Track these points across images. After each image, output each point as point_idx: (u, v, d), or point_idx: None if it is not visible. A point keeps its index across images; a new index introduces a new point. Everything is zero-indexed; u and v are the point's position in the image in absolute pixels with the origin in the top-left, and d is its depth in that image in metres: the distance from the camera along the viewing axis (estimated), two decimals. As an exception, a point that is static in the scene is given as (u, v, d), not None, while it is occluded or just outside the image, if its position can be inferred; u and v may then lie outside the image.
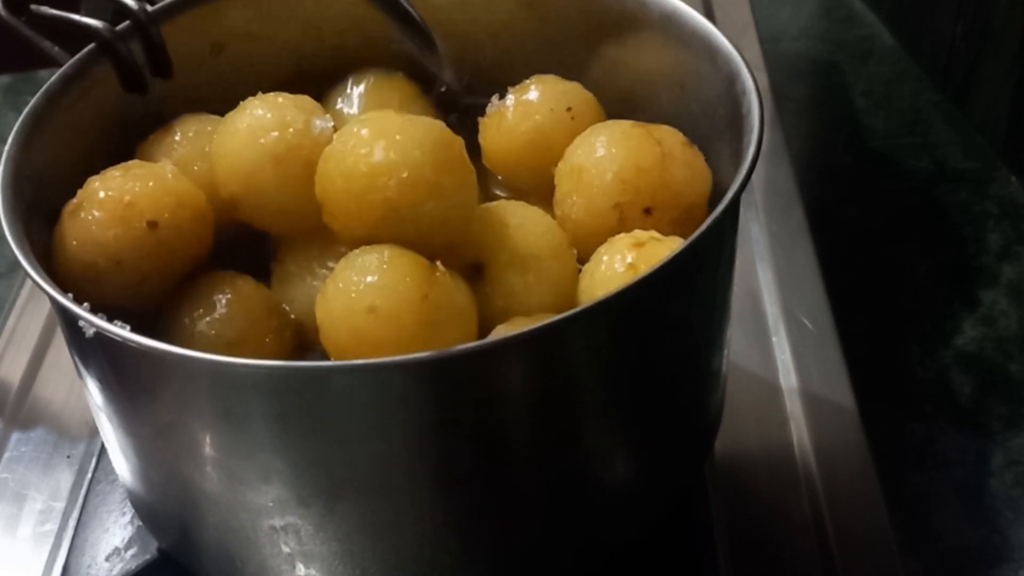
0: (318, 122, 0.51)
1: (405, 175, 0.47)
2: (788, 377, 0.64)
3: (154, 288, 0.50)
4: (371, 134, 0.48)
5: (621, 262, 0.49)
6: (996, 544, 0.59)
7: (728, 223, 0.49)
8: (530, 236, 0.50)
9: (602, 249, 0.50)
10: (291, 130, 0.51)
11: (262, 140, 0.51)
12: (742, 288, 0.69)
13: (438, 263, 0.46)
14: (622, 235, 0.50)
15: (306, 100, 0.52)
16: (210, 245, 0.52)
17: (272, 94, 0.53)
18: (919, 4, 0.95)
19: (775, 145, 0.79)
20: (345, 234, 0.49)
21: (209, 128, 0.54)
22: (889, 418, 0.66)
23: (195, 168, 0.53)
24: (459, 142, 0.49)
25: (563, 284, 0.51)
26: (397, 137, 0.47)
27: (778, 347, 0.66)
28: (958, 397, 0.67)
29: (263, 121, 0.51)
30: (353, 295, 0.46)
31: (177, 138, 0.54)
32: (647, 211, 0.51)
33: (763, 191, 0.76)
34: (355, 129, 0.48)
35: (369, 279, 0.46)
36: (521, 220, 0.51)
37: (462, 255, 0.50)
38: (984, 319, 0.72)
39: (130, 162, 0.52)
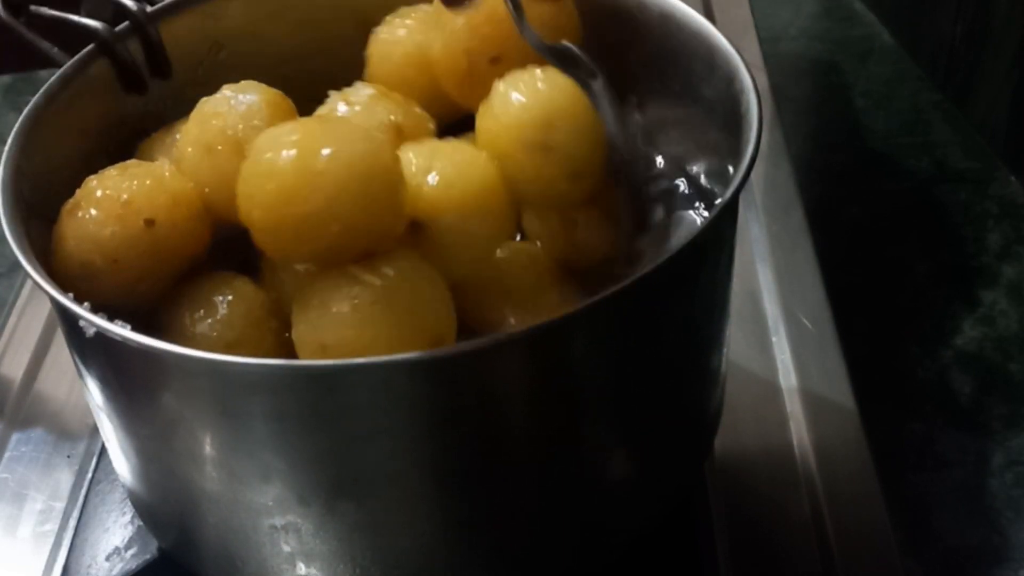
0: (240, 97, 0.51)
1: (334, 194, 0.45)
2: (788, 377, 0.64)
3: (151, 287, 0.50)
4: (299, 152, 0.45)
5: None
6: (996, 544, 0.60)
7: (727, 222, 0.49)
8: (452, 181, 0.48)
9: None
10: (220, 116, 0.51)
11: (198, 131, 0.51)
12: (742, 288, 0.69)
13: (351, 267, 0.45)
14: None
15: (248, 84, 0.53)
16: (208, 243, 0.52)
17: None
18: (919, 4, 0.95)
19: (775, 145, 0.79)
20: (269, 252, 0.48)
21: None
22: (889, 418, 0.66)
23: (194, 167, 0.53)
24: (392, 153, 0.47)
25: (502, 204, 0.49)
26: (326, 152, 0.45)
27: (778, 347, 0.66)
28: (958, 397, 0.67)
29: (204, 113, 0.52)
30: (306, 342, 0.45)
31: (177, 137, 0.55)
32: (494, 60, 0.52)
33: (763, 191, 0.76)
34: (268, 155, 0.45)
35: (308, 322, 0.45)
36: (439, 165, 0.48)
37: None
38: (984, 319, 0.72)
39: (128, 161, 0.52)
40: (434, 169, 0.48)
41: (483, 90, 0.51)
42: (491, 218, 0.49)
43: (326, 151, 0.44)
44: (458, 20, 0.52)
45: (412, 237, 0.47)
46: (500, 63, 0.51)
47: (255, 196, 0.45)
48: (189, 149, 0.52)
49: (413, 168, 0.48)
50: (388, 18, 0.57)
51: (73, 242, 0.49)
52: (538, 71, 0.50)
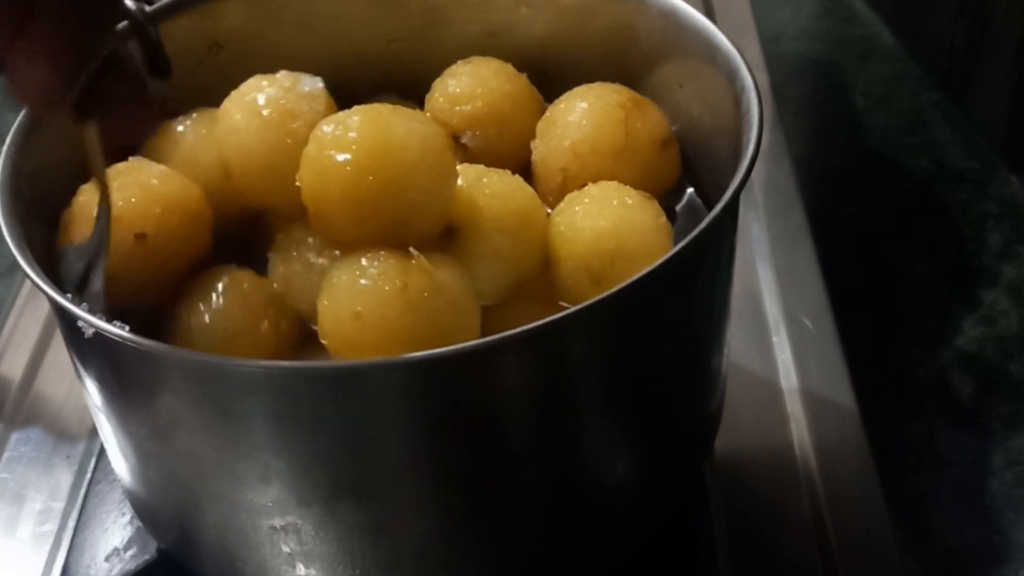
0: (306, 79, 0.52)
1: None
2: (788, 377, 0.64)
3: (152, 294, 0.50)
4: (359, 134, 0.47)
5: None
6: (996, 544, 0.59)
7: (728, 221, 0.48)
8: (499, 194, 0.50)
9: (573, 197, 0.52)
10: (277, 87, 0.52)
11: (249, 98, 0.52)
12: (742, 288, 0.69)
13: (411, 249, 0.46)
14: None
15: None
16: (208, 244, 0.52)
17: None
18: (919, 4, 0.95)
19: (775, 145, 0.79)
20: (325, 233, 0.49)
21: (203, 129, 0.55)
22: (889, 418, 0.66)
23: (199, 160, 0.53)
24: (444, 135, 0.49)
25: (537, 236, 0.51)
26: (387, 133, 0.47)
27: (778, 347, 0.66)
28: (958, 397, 0.67)
29: (257, 84, 0.52)
30: (338, 309, 0.46)
31: (180, 129, 0.54)
32: (582, 186, 0.53)
33: (763, 191, 0.76)
34: (338, 132, 0.47)
35: (348, 287, 0.46)
36: (488, 179, 0.51)
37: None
38: (984, 319, 0.72)
39: (117, 166, 0.51)
40: (486, 178, 0.50)
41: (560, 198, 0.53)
42: (522, 245, 0.50)
43: (402, 127, 0.47)
44: (564, 142, 0.54)
45: (442, 244, 0.49)
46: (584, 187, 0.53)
47: (328, 171, 0.46)
48: (237, 115, 0.52)
49: (470, 173, 0.50)
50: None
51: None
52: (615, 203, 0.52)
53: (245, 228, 0.55)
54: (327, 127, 0.47)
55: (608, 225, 0.50)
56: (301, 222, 0.51)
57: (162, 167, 0.52)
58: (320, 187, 0.47)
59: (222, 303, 0.49)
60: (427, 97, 0.59)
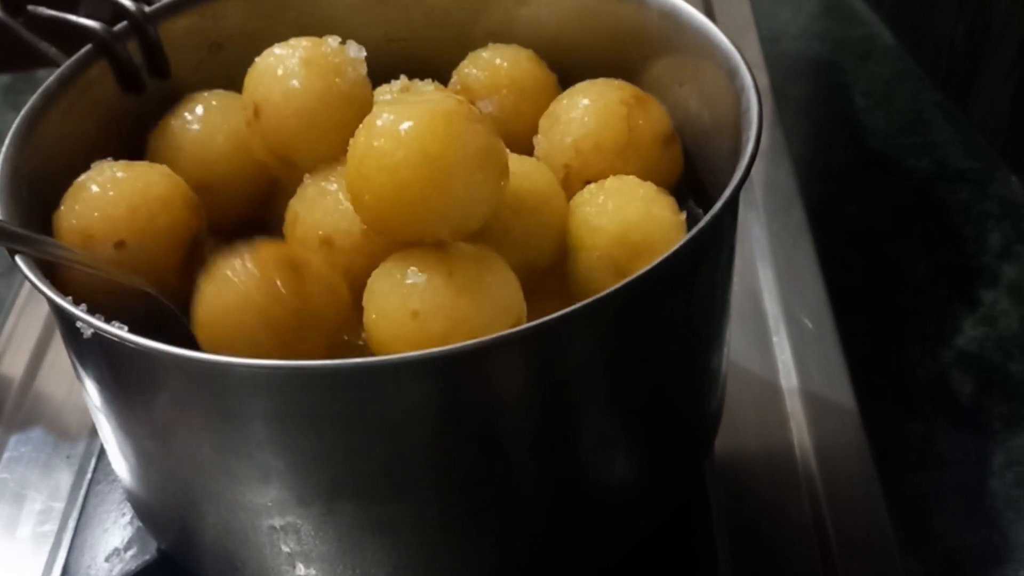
0: (353, 45, 0.52)
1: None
2: (788, 377, 0.64)
3: (155, 284, 0.50)
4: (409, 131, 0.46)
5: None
6: (996, 544, 0.59)
7: (727, 219, 0.49)
8: (515, 173, 0.49)
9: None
10: (324, 45, 0.52)
11: (296, 45, 0.52)
12: (742, 287, 0.69)
13: (445, 241, 0.46)
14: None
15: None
16: (201, 226, 0.51)
17: None
18: (919, 4, 0.95)
19: (775, 144, 0.79)
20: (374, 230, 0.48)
21: (215, 102, 0.55)
22: (889, 418, 0.66)
23: (197, 159, 0.53)
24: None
25: (553, 221, 0.51)
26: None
27: (778, 347, 0.66)
28: (958, 397, 0.67)
29: (304, 40, 0.52)
30: (393, 314, 0.45)
31: (173, 125, 0.54)
32: (587, 182, 0.53)
33: (763, 190, 0.76)
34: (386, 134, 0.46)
35: (397, 291, 0.45)
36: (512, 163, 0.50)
37: None
38: (984, 319, 0.72)
39: (89, 174, 0.50)
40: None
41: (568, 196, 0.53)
42: (538, 228, 0.50)
43: (461, 131, 0.45)
44: (567, 138, 0.53)
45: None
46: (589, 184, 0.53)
47: (377, 180, 0.45)
48: (281, 59, 0.52)
49: None
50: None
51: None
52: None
53: (245, 228, 0.55)
54: (379, 122, 0.45)
55: (636, 217, 0.50)
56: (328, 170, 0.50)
57: (135, 169, 0.51)
58: (369, 193, 0.46)
59: (242, 263, 0.48)
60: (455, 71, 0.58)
